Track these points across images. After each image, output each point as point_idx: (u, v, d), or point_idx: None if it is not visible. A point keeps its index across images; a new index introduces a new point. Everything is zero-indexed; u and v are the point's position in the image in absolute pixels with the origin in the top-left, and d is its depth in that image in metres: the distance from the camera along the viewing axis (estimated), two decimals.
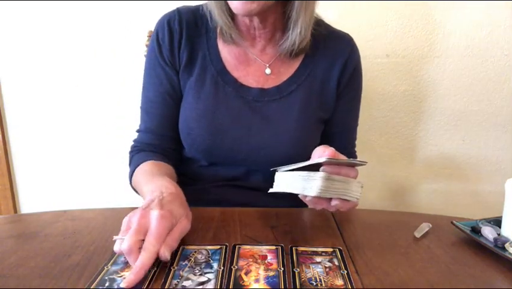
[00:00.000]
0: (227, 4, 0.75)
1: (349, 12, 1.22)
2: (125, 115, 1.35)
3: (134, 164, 0.84)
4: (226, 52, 0.84)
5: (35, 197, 1.45)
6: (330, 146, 0.89)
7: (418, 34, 1.23)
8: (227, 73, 0.83)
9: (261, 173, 0.86)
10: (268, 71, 0.84)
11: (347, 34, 0.89)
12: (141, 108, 0.89)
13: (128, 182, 0.86)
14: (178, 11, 0.85)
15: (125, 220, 0.57)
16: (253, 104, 0.83)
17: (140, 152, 0.87)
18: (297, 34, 0.79)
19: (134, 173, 0.81)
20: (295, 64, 0.85)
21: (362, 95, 0.93)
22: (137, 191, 0.85)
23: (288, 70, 0.85)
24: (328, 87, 0.86)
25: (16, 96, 1.34)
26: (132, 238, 0.53)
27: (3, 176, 1.40)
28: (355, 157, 0.96)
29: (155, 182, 0.68)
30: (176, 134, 0.87)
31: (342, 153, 0.92)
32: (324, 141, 0.91)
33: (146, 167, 0.80)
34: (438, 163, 1.35)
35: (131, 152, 0.89)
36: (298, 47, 0.81)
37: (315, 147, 0.90)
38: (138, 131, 0.90)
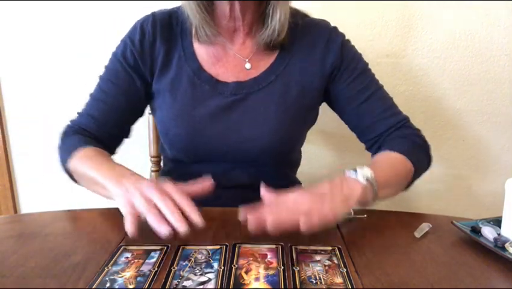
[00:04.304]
0: (205, 2, 0.77)
1: (349, 12, 1.22)
2: None
3: (72, 144, 0.78)
4: (203, 51, 0.84)
5: (35, 197, 1.45)
6: (362, 120, 0.87)
7: (418, 34, 1.23)
8: (203, 71, 0.83)
9: (246, 168, 0.86)
10: (248, 66, 0.84)
11: (324, 20, 0.88)
12: (90, 95, 0.86)
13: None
14: (153, 14, 0.86)
15: (128, 202, 0.61)
16: (232, 98, 0.82)
17: (75, 134, 0.82)
18: (277, 20, 0.78)
19: (77, 155, 0.76)
20: (273, 56, 0.85)
21: None
22: (70, 173, 0.79)
23: (267, 62, 0.85)
24: (311, 73, 0.84)
25: (16, 95, 1.34)
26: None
27: (3, 176, 1.40)
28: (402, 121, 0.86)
29: (121, 167, 0.71)
30: (115, 132, 0.86)
31: (382, 120, 0.86)
32: (353, 118, 0.87)
33: (94, 152, 0.76)
34: (439, 163, 1.35)
35: (65, 132, 0.84)
36: (278, 35, 0.80)
37: (301, 137, 0.91)
38: (78, 113, 0.86)
